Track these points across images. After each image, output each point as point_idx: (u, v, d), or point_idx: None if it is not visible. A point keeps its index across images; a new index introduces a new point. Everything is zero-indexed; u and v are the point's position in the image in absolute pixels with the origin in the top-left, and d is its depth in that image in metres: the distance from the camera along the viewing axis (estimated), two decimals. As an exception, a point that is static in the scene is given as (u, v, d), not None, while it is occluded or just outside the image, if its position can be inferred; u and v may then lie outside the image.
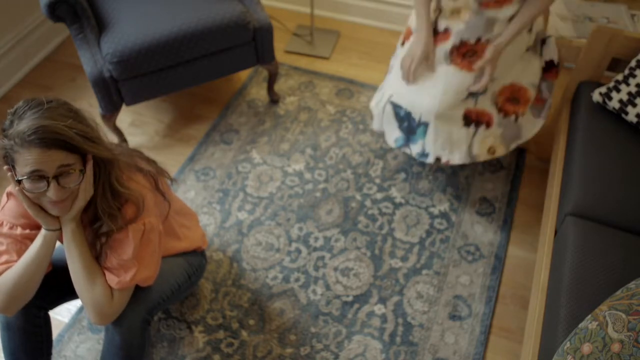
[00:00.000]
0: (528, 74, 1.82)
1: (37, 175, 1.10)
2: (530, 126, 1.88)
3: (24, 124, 1.07)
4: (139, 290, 1.38)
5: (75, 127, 1.11)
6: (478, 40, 1.69)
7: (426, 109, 1.75)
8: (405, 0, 2.73)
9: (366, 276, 1.88)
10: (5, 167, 1.14)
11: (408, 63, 1.76)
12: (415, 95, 1.78)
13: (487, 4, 1.63)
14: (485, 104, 1.77)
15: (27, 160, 1.09)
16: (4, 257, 1.26)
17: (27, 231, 1.29)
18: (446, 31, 1.72)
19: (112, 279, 1.27)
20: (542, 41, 1.85)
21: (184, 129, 2.40)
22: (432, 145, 1.79)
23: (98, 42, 2.05)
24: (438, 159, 1.82)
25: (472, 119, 1.77)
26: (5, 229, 1.29)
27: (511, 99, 1.79)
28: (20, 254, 1.28)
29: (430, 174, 2.17)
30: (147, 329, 1.42)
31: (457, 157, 1.81)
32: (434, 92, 1.74)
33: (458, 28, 1.70)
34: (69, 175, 1.14)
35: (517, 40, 1.72)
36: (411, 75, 1.76)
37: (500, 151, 1.85)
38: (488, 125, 1.78)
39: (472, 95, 1.75)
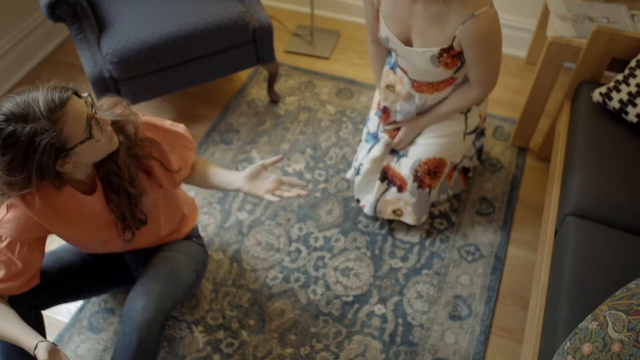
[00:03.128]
0: (457, 154, 1.89)
1: (91, 118, 1.14)
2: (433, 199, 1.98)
3: (41, 102, 1.08)
4: (157, 298, 1.40)
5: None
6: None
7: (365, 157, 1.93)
8: None
9: (366, 276, 1.88)
10: (56, 170, 1.15)
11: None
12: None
13: (420, 86, 1.72)
14: (404, 169, 1.84)
15: (75, 119, 1.11)
16: None
17: (25, 249, 1.28)
18: (386, 110, 1.89)
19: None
20: (480, 132, 2.01)
21: (184, 129, 2.40)
22: (356, 187, 1.95)
23: (98, 42, 2.05)
24: (358, 200, 1.99)
25: (387, 176, 1.88)
26: (2, 245, 1.26)
27: (431, 172, 1.84)
28: (9, 273, 1.27)
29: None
30: (163, 333, 1.43)
31: (367, 206, 1.95)
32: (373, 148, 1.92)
33: (394, 108, 1.86)
34: (95, 107, 1.19)
35: (455, 121, 1.82)
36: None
37: (409, 219, 1.91)
38: (400, 189, 1.86)
39: (395, 153, 1.89)
